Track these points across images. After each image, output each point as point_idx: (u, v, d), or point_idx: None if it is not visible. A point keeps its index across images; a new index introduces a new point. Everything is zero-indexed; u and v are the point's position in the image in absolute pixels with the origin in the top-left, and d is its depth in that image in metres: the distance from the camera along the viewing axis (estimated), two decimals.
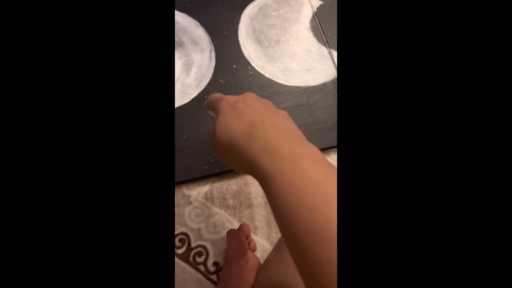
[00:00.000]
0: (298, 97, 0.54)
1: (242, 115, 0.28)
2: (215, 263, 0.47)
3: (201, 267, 0.46)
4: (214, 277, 0.46)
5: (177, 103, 0.52)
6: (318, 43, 0.58)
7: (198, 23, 0.58)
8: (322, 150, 0.51)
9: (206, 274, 0.46)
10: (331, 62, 0.56)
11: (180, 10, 0.59)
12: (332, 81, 0.55)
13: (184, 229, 0.48)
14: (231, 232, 0.42)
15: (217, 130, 0.29)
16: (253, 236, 0.48)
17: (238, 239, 0.41)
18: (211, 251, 0.47)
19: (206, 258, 0.47)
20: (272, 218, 0.49)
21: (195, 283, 0.46)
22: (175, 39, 0.57)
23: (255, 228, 0.49)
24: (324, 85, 0.55)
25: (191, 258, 0.47)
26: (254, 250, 0.46)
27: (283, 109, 0.30)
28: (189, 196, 0.50)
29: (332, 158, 0.53)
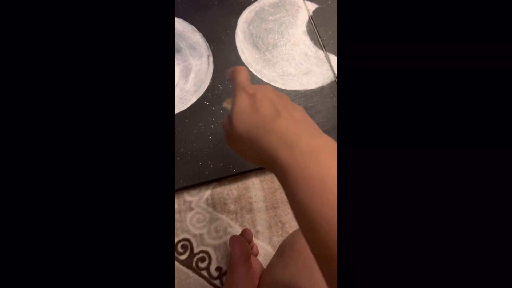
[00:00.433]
0: (296, 101, 0.54)
1: (260, 107, 0.28)
2: (218, 268, 0.47)
3: (204, 273, 0.47)
4: (217, 282, 0.46)
5: (177, 109, 0.53)
6: (314, 46, 0.58)
7: (195, 28, 0.58)
8: None
9: (210, 279, 0.46)
10: (328, 65, 0.57)
11: (177, 16, 0.59)
12: (329, 84, 0.55)
13: (186, 235, 0.48)
14: (234, 238, 0.42)
15: (234, 121, 0.28)
16: (255, 240, 0.49)
17: (241, 245, 0.41)
18: (213, 256, 0.47)
19: (209, 264, 0.47)
20: (273, 221, 0.50)
21: None
22: None
23: (257, 232, 0.49)
24: (321, 88, 0.55)
25: (194, 264, 0.47)
26: (256, 254, 0.47)
27: None
28: (190, 202, 0.50)
29: None
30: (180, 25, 0.58)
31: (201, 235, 0.48)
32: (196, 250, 0.48)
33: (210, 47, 0.57)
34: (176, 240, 0.48)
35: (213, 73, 0.55)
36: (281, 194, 0.51)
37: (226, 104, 0.37)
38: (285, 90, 0.55)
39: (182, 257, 0.47)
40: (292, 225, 0.50)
